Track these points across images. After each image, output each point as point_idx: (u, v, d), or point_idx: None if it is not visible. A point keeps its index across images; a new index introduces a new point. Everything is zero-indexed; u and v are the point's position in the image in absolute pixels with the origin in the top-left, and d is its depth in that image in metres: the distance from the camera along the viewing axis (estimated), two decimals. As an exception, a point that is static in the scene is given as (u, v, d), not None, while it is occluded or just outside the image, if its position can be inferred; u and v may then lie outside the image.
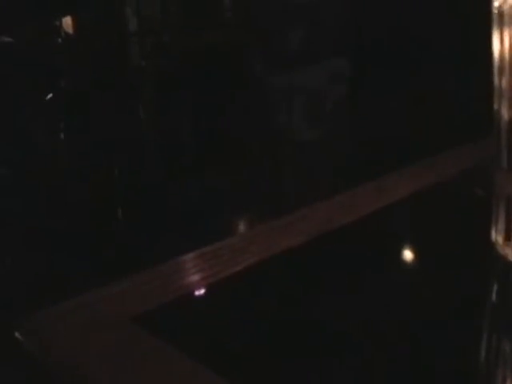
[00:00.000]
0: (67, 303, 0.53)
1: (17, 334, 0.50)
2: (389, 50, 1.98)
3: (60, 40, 2.02)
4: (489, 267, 0.56)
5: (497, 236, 0.56)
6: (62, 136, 2.00)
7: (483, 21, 0.56)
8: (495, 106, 0.55)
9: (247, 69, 2.06)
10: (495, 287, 0.55)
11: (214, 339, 0.49)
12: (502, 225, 0.56)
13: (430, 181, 0.71)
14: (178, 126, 2.07)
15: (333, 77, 2.15)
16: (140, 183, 1.94)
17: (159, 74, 2.16)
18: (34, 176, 1.79)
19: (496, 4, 0.53)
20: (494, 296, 0.54)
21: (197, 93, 2.08)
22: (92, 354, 0.47)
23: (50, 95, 1.96)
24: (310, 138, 2.07)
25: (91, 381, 0.45)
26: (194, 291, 0.55)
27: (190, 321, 0.52)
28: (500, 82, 0.53)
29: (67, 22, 2.08)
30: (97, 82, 2.01)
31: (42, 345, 0.50)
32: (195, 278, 0.57)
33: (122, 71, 2.12)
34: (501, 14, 0.52)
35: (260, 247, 0.60)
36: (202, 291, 0.55)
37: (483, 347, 0.48)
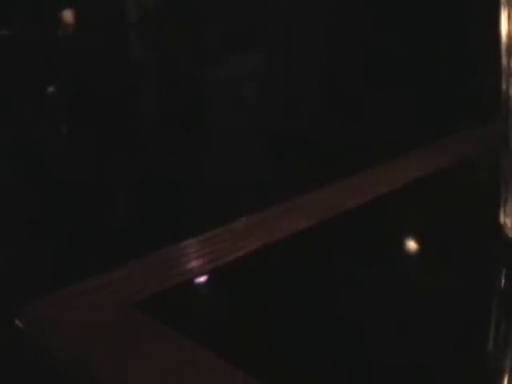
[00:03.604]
0: (68, 290, 0.53)
1: (17, 322, 0.50)
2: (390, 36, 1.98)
3: (60, 32, 2.02)
4: (497, 250, 0.56)
5: (505, 219, 0.56)
6: (63, 129, 2.00)
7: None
8: (503, 87, 0.54)
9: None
10: (504, 270, 0.54)
11: (217, 324, 0.49)
12: (510, 207, 0.55)
13: (437, 165, 0.71)
14: (177, 117, 2.07)
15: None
16: (140, 172, 1.94)
17: (160, 67, 2.17)
18: (34, 168, 1.79)
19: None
20: (502, 279, 0.53)
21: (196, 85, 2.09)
22: (93, 340, 0.47)
23: (51, 88, 1.96)
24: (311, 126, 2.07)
25: (93, 367, 0.44)
26: (196, 276, 0.55)
27: (192, 306, 0.51)
28: (508, 62, 0.53)
29: (68, 14, 2.08)
30: (97, 74, 2.01)
31: (42, 332, 0.49)
32: (197, 263, 0.56)
33: (123, 63, 2.12)
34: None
35: (263, 232, 0.59)
36: (204, 276, 0.55)
37: (492, 333, 0.47)
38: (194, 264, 0.56)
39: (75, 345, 0.47)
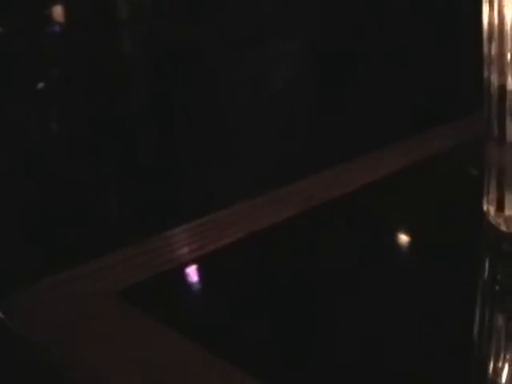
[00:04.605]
0: (52, 278, 0.53)
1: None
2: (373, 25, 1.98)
3: (50, 29, 2.01)
4: (481, 237, 0.56)
5: (489, 206, 0.56)
6: (54, 125, 1.99)
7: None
8: (485, 74, 0.54)
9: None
10: (487, 257, 0.55)
11: (202, 312, 0.49)
12: (493, 195, 0.55)
13: (422, 155, 0.71)
14: (168, 112, 2.07)
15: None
16: (129, 161, 1.94)
17: (151, 63, 2.16)
18: (24, 160, 1.79)
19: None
20: (486, 266, 0.54)
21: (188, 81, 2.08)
22: (78, 328, 0.47)
23: (41, 84, 1.95)
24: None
25: (78, 356, 0.44)
26: (181, 265, 0.55)
27: (177, 294, 0.51)
28: (489, 48, 0.53)
29: (57, 10, 2.07)
30: (88, 70, 2.01)
31: (26, 322, 0.49)
32: (182, 251, 0.56)
33: (113, 59, 2.11)
34: (490, -22, 0.51)
35: (248, 221, 0.59)
36: (190, 265, 0.55)
37: (476, 319, 0.47)
38: (178, 253, 0.56)
39: (60, 334, 0.47)
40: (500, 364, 0.42)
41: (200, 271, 0.55)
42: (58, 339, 0.46)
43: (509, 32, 0.51)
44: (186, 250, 0.56)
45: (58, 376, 0.45)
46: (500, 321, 0.47)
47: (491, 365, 0.43)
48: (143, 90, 2.22)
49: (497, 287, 0.51)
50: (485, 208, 0.56)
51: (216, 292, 0.52)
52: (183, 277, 0.55)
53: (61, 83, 2.07)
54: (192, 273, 0.55)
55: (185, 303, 0.50)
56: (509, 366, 0.42)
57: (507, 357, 0.43)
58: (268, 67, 2.12)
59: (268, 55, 2.15)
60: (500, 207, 0.55)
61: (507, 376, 0.41)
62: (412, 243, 0.59)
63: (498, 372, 0.42)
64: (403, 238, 0.61)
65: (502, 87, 0.52)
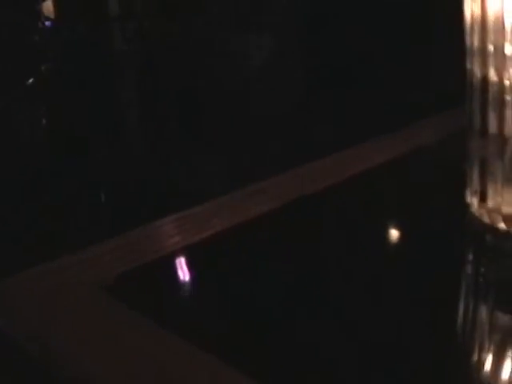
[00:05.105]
0: (38, 269, 0.53)
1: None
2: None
3: (40, 24, 2.01)
4: (464, 229, 0.56)
5: (472, 198, 0.56)
6: (43, 120, 1.99)
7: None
8: (468, 66, 0.54)
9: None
10: (470, 249, 0.55)
11: (188, 305, 0.49)
12: (476, 187, 0.55)
13: (406, 148, 0.71)
14: (158, 107, 2.08)
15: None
16: (115, 155, 1.94)
17: (141, 58, 2.16)
18: (14, 153, 1.79)
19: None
20: (469, 258, 0.54)
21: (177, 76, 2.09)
22: (63, 319, 0.47)
23: (31, 80, 1.95)
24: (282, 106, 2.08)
25: (62, 348, 0.44)
26: (166, 256, 0.55)
27: (162, 286, 0.51)
28: (472, 40, 0.53)
29: (48, 5, 2.07)
30: (78, 66, 2.01)
31: (9, 313, 0.49)
32: (168, 242, 0.56)
33: (103, 55, 2.11)
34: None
35: (232, 213, 0.60)
36: (176, 256, 0.55)
37: (460, 311, 0.48)
38: (164, 244, 0.56)
39: (43, 325, 0.46)
40: (484, 356, 0.42)
41: (186, 263, 0.55)
42: (42, 330, 0.46)
43: (491, 24, 0.51)
44: (171, 241, 0.56)
45: (42, 369, 0.45)
46: (483, 313, 0.47)
47: (475, 357, 0.42)
48: (132, 84, 2.22)
49: (480, 279, 0.51)
50: (468, 200, 0.56)
51: (200, 284, 0.52)
52: (168, 268, 0.55)
53: (52, 78, 2.07)
54: (178, 264, 0.55)
55: (170, 294, 0.50)
56: (492, 357, 0.42)
57: (491, 349, 0.43)
58: (259, 60, 2.12)
59: (261, 48, 2.15)
60: (483, 199, 0.55)
61: (491, 368, 0.41)
62: (395, 235, 0.59)
63: (481, 364, 0.42)
64: (387, 230, 0.61)
65: (485, 79, 0.52)
